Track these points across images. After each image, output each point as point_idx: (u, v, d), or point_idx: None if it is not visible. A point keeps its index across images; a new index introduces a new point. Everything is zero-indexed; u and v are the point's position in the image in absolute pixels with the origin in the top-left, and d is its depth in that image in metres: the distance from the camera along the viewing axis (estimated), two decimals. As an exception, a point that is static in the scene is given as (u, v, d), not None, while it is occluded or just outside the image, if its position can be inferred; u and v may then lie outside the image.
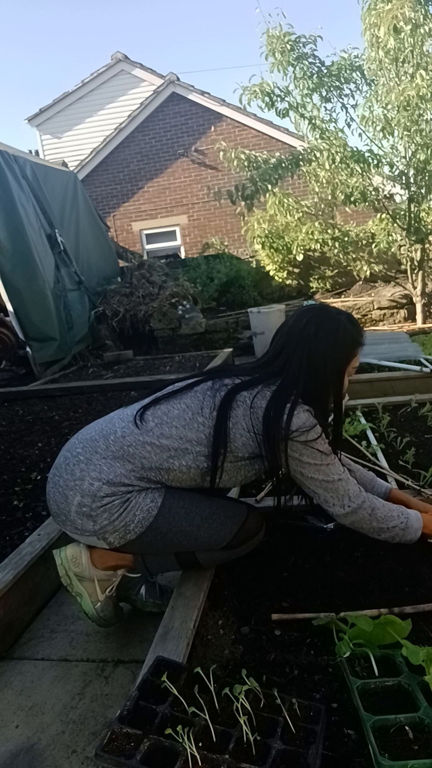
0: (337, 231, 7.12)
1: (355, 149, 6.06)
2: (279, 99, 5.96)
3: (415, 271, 6.87)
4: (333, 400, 1.53)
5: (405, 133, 5.82)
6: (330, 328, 1.48)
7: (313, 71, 5.91)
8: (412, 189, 6.38)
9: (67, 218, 7.19)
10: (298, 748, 0.98)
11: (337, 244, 7.14)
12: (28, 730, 1.29)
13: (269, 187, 6.68)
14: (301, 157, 6.52)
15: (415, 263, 6.82)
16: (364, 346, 1.55)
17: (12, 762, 1.21)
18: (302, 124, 6.11)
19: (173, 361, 5.99)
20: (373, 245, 7.05)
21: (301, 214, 7.24)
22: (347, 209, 7.18)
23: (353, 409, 3.16)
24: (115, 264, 8.65)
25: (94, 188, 12.02)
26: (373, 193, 6.48)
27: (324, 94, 6.00)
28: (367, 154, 6.08)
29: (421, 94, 5.46)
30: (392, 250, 7.10)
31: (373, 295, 8.07)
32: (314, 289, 9.04)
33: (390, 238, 6.85)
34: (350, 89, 6.19)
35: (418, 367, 3.82)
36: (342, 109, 6.25)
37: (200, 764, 0.93)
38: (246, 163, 6.67)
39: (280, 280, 9.06)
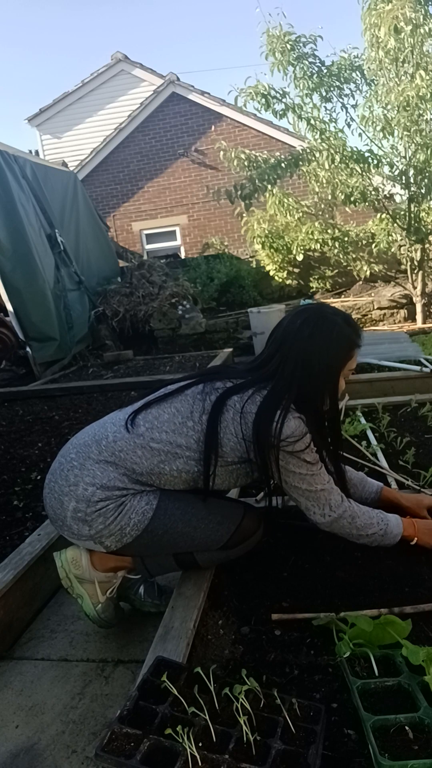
0: (337, 231, 7.12)
1: (354, 149, 6.06)
2: (276, 100, 5.96)
3: (415, 271, 6.87)
4: (329, 403, 1.50)
5: (405, 133, 5.82)
6: (325, 330, 1.45)
7: (313, 71, 5.91)
8: (412, 189, 6.38)
9: (67, 218, 7.19)
10: (298, 748, 0.98)
11: (337, 244, 7.14)
12: (28, 730, 1.29)
13: (268, 186, 6.69)
14: (300, 157, 6.52)
15: (415, 263, 6.82)
16: (360, 348, 1.51)
17: (12, 762, 1.21)
18: (300, 124, 6.12)
19: (173, 361, 5.99)
20: (373, 245, 7.05)
21: (301, 214, 7.24)
22: (347, 209, 7.19)
23: (353, 409, 3.16)
24: (115, 264, 8.66)
25: (94, 188, 12.02)
26: (373, 193, 6.48)
27: (324, 94, 6.00)
28: (367, 154, 6.09)
29: (420, 94, 5.46)
30: (392, 250, 7.10)
31: (373, 295, 8.07)
32: (314, 289, 9.04)
33: (390, 238, 6.85)
34: (350, 89, 6.19)
35: (418, 367, 3.82)
36: (342, 109, 6.26)
37: (200, 764, 0.93)
38: (246, 163, 6.67)
39: (280, 280, 9.06)
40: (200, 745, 0.97)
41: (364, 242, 7.36)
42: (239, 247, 11.02)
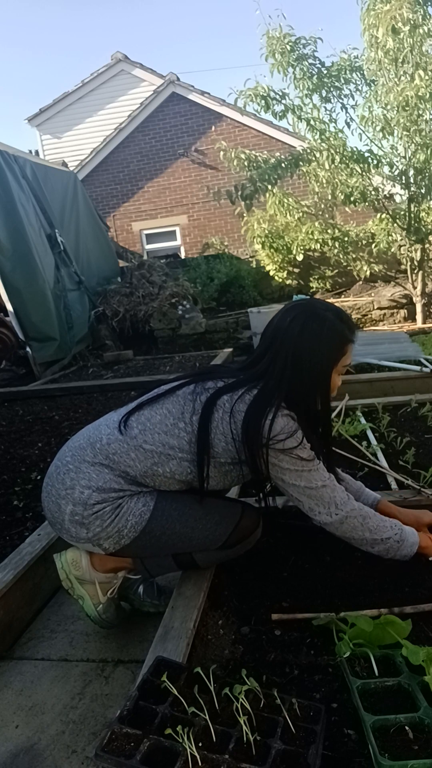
0: (337, 231, 7.12)
1: (354, 149, 6.06)
2: (275, 101, 5.97)
3: (415, 271, 6.87)
4: (320, 401, 1.47)
5: (404, 133, 5.82)
6: (315, 326, 1.41)
7: (313, 72, 5.91)
8: (412, 189, 6.38)
9: (67, 218, 7.19)
10: (298, 748, 0.98)
11: (337, 244, 7.14)
12: (28, 730, 1.29)
13: (268, 186, 6.69)
14: (300, 157, 6.52)
15: (415, 263, 6.82)
16: (354, 343, 1.47)
17: (12, 762, 1.21)
18: (300, 125, 6.12)
19: (173, 361, 5.99)
20: (373, 245, 7.05)
21: (301, 214, 7.24)
22: (347, 209, 7.18)
23: (353, 409, 3.16)
24: (115, 264, 8.66)
25: (94, 188, 12.02)
26: (373, 193, 6.48)
27: (324, 94, 6.01)
28: (366, 154, 6.09)
29: (420, 94, 5.46)
30: (392, 250, 7.09)
31: (373, 295, 8.07)
32: (314, 289, 9.04)
33: (390, 238, 6.84)
34: (350, 90, 6.19)
35: (418, 367, 3.82)
36: (342, 110, 6.26)
37: (200, 764, 0.93)
38: (246, 163, 6.67)
39: (280, 280, 9.06)
40: (200, 745, 0.97)
41: (364, 242, 7.35)
42: (239, 247, 11.01)
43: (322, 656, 1.27)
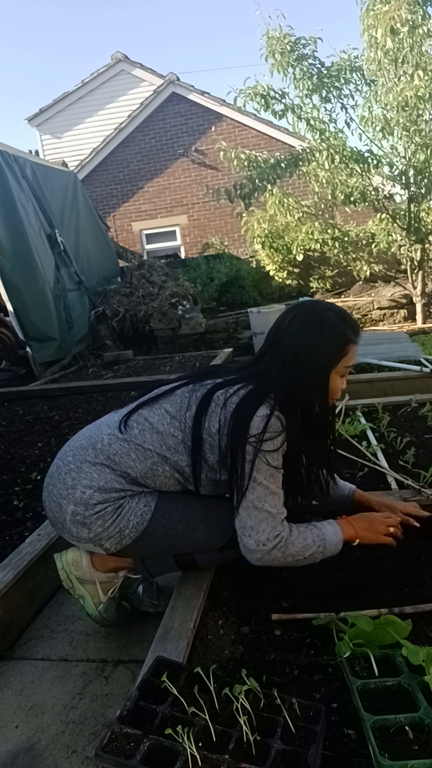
0: (337, 231, 7.12)
1: (354, 149, 6.06)
2: (275, 101, 5.97)
3: (415, 271, 6.87)
4: (319, 403, 1.42)
5: (404, 133, 5.82)
6: (316, 325, 1.38)
7: (313, 72, 5.92)
8: (412, 189, 6.38)
9: (67, 218, 7.19)
10: (298, 748, 0.98)
11: (337, 244, 7.14)
12: (28, 730, 1.29)
13: (268, 186, 6.69)
14: (300, 157, 6.52)
15: (415, 263, 6.82)
16: (357, 344, 1.43)
17: (12, 762, 1.21)
18: (300, 125, 6.13)
19: (173, 361, 5.99)
20: (373, 245, 7.05)
21: (301, 214, 7.24)
22: (347, 209, 7.19)
23: (353, 409, 3.16)
24: (115, 264, 8.66)
25: (94, 188, 12.02)
26: (373, 193, 6.48)
27: (324, 94, 6.01)
28: (366, 155, 6.09)
29: (419, 94, 5.47)
30: (392, 250, 7.10)
31: (373, 295, 8.07)
32: (314, 289, 9.04)
33: (390, 238, 6.85)
34: (350, 90, 6.20)
35: (418, 367, 3.82)
36: (342, 110, 6.26)
37: (200, 764, 0.93)
38: (246, 163, 6.68)
39: (280, 280, 9.06)
40: (200, 745, 0.97)
41: (364, 242, 7.35)
42: (239, 247, 11.01)
43: (322, 656, 1.27)
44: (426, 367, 3.78)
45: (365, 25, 5.79)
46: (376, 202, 6.62)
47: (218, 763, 0.93)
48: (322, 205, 8.01)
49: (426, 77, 5.49)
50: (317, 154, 6.21)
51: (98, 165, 12.30)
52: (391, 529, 1.53)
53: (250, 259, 9.80)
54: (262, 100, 5.93)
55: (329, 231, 7.09)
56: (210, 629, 1.41)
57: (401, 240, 6.86)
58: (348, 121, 6.31)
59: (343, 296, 8.61)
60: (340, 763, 1.00)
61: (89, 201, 8.33)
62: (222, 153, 6.83)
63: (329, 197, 6.91)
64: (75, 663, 1.51)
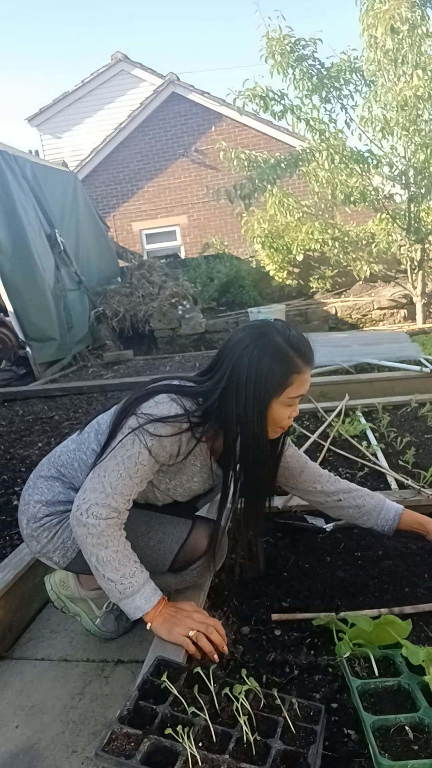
0: (337, 231, 7.12)
1: (354, 149, 6.07)
2: (274, 102, 5.97)
3: (415, 271, 6.87)
4: (251, 431, 1.26)
5: (404, 133, 5.83)
6: (258, 351, 1.23)
7: (313, 73, 5.92)
8: (412, 189, 6.39)
9: (67, 218, 7.19)
10: (298, 748, 0.98)
11: (337, 244, 7.15)
12: (28, 730, 1.29)
13: (268, 186, 6.69)
14: (300, 157, 6.53)
15: (415, 263, 6.82)
16: (303, 375, 1.27)
17: (12, 762, 1.20)
18: (300, 125, 6.13)
19: (173, 361, 6.00)
20: (373, 245, 7.05)
21: (301, 214, 7.24)
22: (347, 209, 7.19)
23: (353, 409, 3.16)
24: (115, 264, 8.66)
25: (94, 188, 12.02)
26: (373, 193, 6.49)
27: (324, 95, 6.02)
28: (366, 155, 6.09)
29: (419, 94, 5.47)
30: (392, 250, 7.10)
31: (373, 295, 8.08)
32: (314, 289, 9.04)
33: (390, 238, 6.85)
34: (349, 90, 6.20)
35: (418, 367, 3.82)
36: (342, 110, 6.27)
37: (200, 764, 0.93)
38: (246, 163, 6.68)
39: (280, 280, 9.06)
40: (200, 745, 0.97)
41: (364, 242, 7.36)
42: (239, 247, 11.01)
43: (322, 656, 1.27)
44: (426, 367, 3.78)
45: (365, 24, 5.80)
46: (376, 202, 6.63)
47: (218, 763, 0.93)
48: (322, 205, 8.02)
49: (425, 77, 5.50)
50: (317, 155, 6.22)
51: (98, 165, 12.30)
52: (191, 633, 1.23)
53: (250, 259, 9.80)
54: (261, 102, 5.94)
55: (329, 231, 7.10)
56: (210, 629, 1.41)
57: (401, 240, 6.86)
58: (348, 121, 6.32)
59: (343, 296, 8.61)
60: (340, 763, 1.00)
61: (89, 201, 8.33)
62: (222, 153, 6.83)
63: (329, 197, 6.92)
64: (75, 663, 1.51)
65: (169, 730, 0.96)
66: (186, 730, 0.95)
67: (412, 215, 6.49)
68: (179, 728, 0.96)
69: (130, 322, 7.25)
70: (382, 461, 2.37)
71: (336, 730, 1.07)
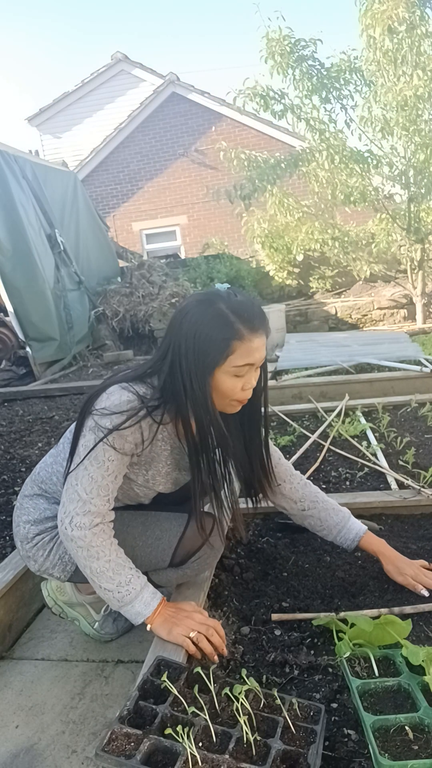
0: (337, 231, 7.13)
1: (354, 149, 6.07)
2: (275, 101, 5.98)
3: (415, 271, 6.87)
4: (194, 403, 1.19)
5: (403, 133, 5.83)
6: (199, 314, 1.17)
7: (313, 73, 5.93)
8: (412, 189, 6.39)
9: (67, 218, 7.19)
10: (298, 748, 0.98)
11: (337, 244, 7.15)
12: (28, 730, 1.29)
13: (268, 186, 6.70)
14: (300, 157, 6.53)
15: (415, 263, 6.82)
16: (252, 343, 1.18)
17: (12, 762, 1.21)
18: (300, 125, 6.13)
19: (173, 361, 5.99)
20: (373, 245, 7.06)
21: (301, 214, 7.24)
22: (347, 209, 7.20)
23: (353, 409, 3.16)
24: (115, 264, 8.66)
25: (94, 188, 12.02)
26: (373, 193, 6.49)
27: (324, 95, 6.02)
28: (366, 155, 6.09)
29: (419, 93, 5.48)
30: (392, 250, 7.11)
31: (373, 295, 8.08)
32: (314, 289, 9.05)
33: (390, 238, 6.86)
34: (349, 90, 6.20)
35: (418, 367, 3.82)
36: (341, 110, 6.27)
37: (200, 764, 0.93)
38: (246, 163, 6.68)
39: (280, 280, 9.06)
40: (200, 745, 0.97)
41: (364, 242, 7.36)
42: (239, 247, 11.01)
43: (322, 656, 1.27)
44: (426, 367, 3.78)
45: (364, 25, 5.80)
46: (376, 202, 6.63)
47: (218, 763, 0.93)
48: (322, 205, 8.01)
49: (425, 77, 5.50)
50: (317, 155, 6.22)
51: (98, 165, 12.30)
52: (192, 634, 1.22)
53: (250, 259, 9.80)
54: (262, 101, 5.94)
55: (329, 231, 7.10)
56: (210, 629, 1.41)
57: (401, 240, 6.87)
58: (348, 121, 6.32)
59: (343, 296, 8.61)
60: (340, 763, 1.00)
61: (89, 201, 8.33)
62: (222, 153, 6.83)
63: (329, 197, 6.92)
64: (75, 663, 1.51)
65: (169, 730, 0.96)
66: (186, 730, 0.95)
67: (412, 215, 6.49)
68: (179, 728, 0.96)
69: (130, 322, 7.25)
70: (382, 461, 2.37)
71: (336, 730, 1.07)
